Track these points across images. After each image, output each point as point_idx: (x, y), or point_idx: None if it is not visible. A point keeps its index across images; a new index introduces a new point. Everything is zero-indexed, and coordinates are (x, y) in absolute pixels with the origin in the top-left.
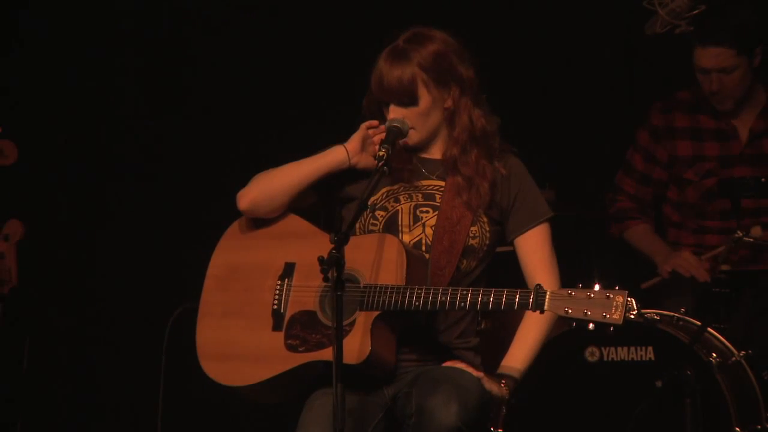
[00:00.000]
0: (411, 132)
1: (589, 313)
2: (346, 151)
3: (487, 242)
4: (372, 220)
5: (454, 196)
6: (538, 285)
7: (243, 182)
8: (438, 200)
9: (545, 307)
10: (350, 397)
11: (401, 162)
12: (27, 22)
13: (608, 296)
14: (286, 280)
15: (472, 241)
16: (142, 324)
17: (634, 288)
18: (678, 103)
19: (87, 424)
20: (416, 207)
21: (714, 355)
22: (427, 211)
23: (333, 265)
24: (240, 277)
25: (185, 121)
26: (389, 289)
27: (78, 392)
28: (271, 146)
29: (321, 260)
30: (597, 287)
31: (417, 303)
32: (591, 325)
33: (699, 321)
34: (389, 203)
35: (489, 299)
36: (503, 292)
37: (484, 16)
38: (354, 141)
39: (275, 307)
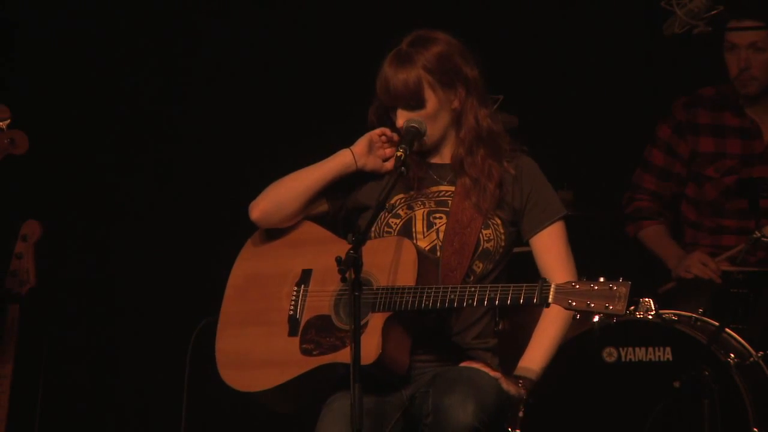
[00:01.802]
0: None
1: (593, 304)
2: (353, 153)
3: (503, 244)
4: (386, 228)
5: (464, 198)
6: (543, 279)
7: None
8: (450, 206)
9: (549, 300)
10: (368, 398)
11: (413, 169)
12: (38, 15)
13: (611, 287)
14: (303, 286)
15: (486, 245)
16: (164, 331)
17: (651, 289)
18: (702, 99)
19: (106, 427)
20: (430, 213)
21: (732, 355)
22: (441, 217)
23: (351, 265)
24: (258, 286)
25: (212, 128)
26: (400, 290)
27: (96, 392)
28: (293, 153)
29: (339, 261)
30: (601, 279)
31: (427, 302)
32: (596, 317)
33: (716, 321)
34: (403, 210)
35: (496, 295)
36: (509, 287)
37: (503, 18)
38: (360, 144)
39: (291, 313)
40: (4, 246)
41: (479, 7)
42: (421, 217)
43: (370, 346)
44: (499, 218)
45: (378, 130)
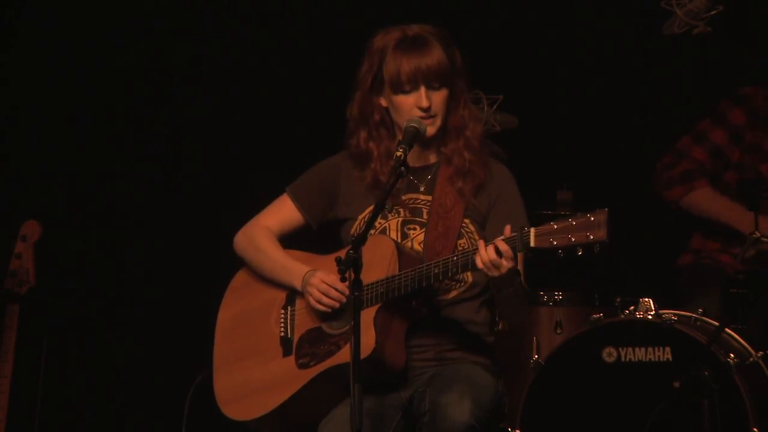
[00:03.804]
0: (434, 120)
1: (574, 238)
2: (302, 280)
3: None
4: None
5: (447, 183)
6: (521, 226)
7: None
8: (425, 216)
9: (532, 244)
10: (368, 400)
11: (389, 175)
12: (40, 19)
13: (589, 217)
14: (289, 307)
15: None
16: (164, 331)
17: (652, 287)
18: None
19: (105, 426)
20: (404, 223)
21: (732, 355)
22: (414, 228)
23: (351, 265)
24: (246, 322)
25: (215, 132)
26: (385, 281)
27: (96, 392)
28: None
29: (338, 261)
30: (578, 214)
31: (413, 284)
32: (579, 251)
33: (717, 321)
34: (377, 220)
35: (477, 256)
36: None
37: (503, 18)
38: (316, 276)
39: (282, 334)
40: (4, 246)
41: (480, 8)
42: (396, 227)
43: (363, 341)
44: (474, 224)
45: (334, 288)
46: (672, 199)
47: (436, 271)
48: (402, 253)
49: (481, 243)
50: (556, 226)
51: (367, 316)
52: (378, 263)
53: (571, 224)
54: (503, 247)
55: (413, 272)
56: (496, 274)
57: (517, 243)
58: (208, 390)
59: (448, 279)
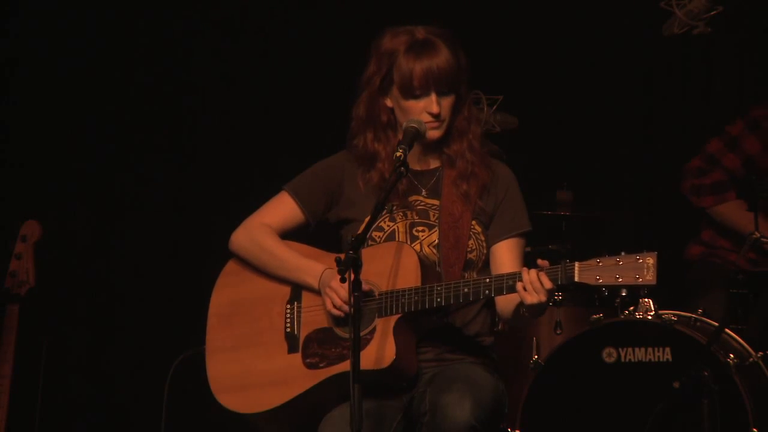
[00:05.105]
0: (441, 125)
1: (621, 278)
2: (319, 279)
3: (485, 251)
4: (370, 242)
5: (452, 187)
6: (565, 259)
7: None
8: (433, 218)
9: (576, 279)
10: (368, 401)
11: (390, 176)
12: (41, 20)
13: (638, 259)
14: (295, 303)
15: (470, 255)
16: (164, 331)
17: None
18: None
19: (105, 426)
20: (412, 225)
21: (731, 355)
22: (423, 231)
23: (350, 265)
24: (245, 310)
25: (214, 134)
26: (406, 292)
27: (95, 391)
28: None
29: (338, 261)
30: (622, 253)
31: (438, 299)
32: (624, 293)
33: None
34: (385, 223)
35: (514, 282)
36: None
37: (503, 18)
38: (334, 280)
39: (288, 330)
40: (4, 246)
41: (480, 8)
42: (404, 230)
43: (384, 350)
44: (480, 225)
45: (342, 296)
46: (701, 206)
47: (465, 290)
48: (424, 266)
49: (524, 269)
50: (601, 263)
51: (387, 325)
52: (398, 272)
53: (618, 263)
54: (546, 279)
55: (440, 289)
56: (534, 300)
57: (560, 276)
58: (191, 371)
59: (478, 299)
